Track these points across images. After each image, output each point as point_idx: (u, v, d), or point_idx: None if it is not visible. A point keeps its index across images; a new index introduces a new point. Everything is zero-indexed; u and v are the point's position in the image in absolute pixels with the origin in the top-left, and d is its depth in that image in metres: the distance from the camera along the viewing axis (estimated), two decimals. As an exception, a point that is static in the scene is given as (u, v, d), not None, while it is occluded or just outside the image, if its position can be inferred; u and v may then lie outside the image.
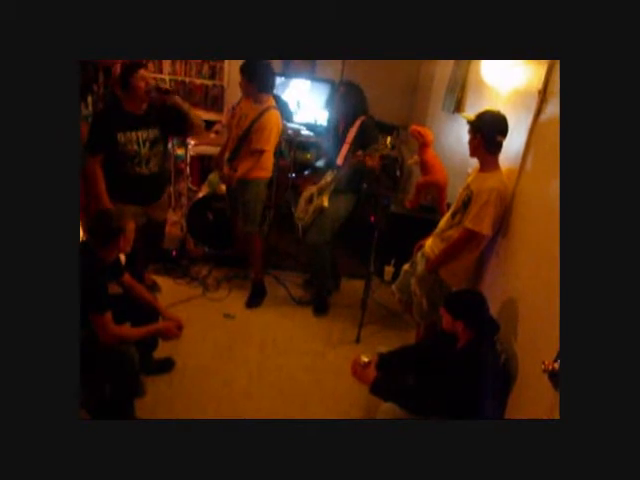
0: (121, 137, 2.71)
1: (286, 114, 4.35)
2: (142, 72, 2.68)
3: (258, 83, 3.05)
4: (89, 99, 3.17)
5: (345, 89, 3.25)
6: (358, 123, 3.14)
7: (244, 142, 3.16)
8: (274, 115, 3.12)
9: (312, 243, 3.30)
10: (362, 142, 3.09)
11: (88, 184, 2.78)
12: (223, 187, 3.44)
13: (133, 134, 2.74)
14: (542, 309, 1.89)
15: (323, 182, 3.25)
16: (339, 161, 3.15)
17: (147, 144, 2.79)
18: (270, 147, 3.16)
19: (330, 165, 3.31)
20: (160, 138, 2.87)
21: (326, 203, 3.18)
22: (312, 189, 3.30)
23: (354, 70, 4.78)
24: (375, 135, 3.20)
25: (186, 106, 2.84)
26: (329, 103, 3.45)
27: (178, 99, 2.82)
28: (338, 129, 3.27)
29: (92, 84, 3.28)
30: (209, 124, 4.92)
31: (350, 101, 3.18)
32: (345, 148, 3.14)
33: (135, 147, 2.75)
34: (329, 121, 3.69)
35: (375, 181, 3.19)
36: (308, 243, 3.33)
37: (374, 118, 3.24)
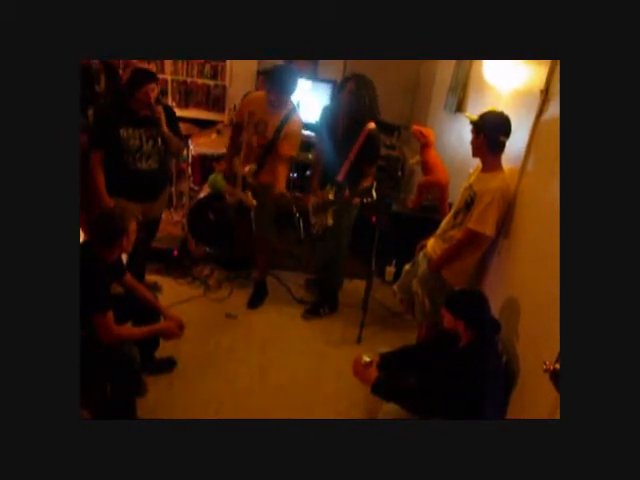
0: (124, 132, 2.73)
1: None
2: (148, 88, 2.68)
3: (288, 88, 2.91)
4: (89, 112, 3.17)
5: (356, 84, 2.85)
6: (365, 134, 2.90)
7: (271, 150, 3.01)
8: (299, 119, 3.04)
9: (327, 255, 3.33)
10: (366, 158, 2.98)
11: (89, 179, 2.81)
12: (251, 200, 3.12)
13: (136, 131, 2.76)
14: (543, 309, 1.89)
15: (324, 198, 3.08)
16: (340, 177, 3.00)
17: (150, 141, 2.81)
18: (297, 152, 3.12)
19: (328, 179, 3.09)
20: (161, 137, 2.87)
21: (331, 222, 3.10)
22: (318, 198, 3.16)
23: (355, 70, 4.76)
24: (379, 148, 3.08)
25: (167, 133, 2.83)
26: (332, 100, 3.03)
27: (164, 129, 2.81)
28: (336, 133, 3.03)
29: (93, 96, 3.27)
30: (211, 124, 4.93)
31: (362, 100, 2.83)
32: (347, 165, 2.97)
33: (138, 142, 2.78)
34: (324, 123, 3.17)
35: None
36: (325, 254, 3.36)
37: (379, 122, 3.02)
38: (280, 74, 2.86)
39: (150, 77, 2.72)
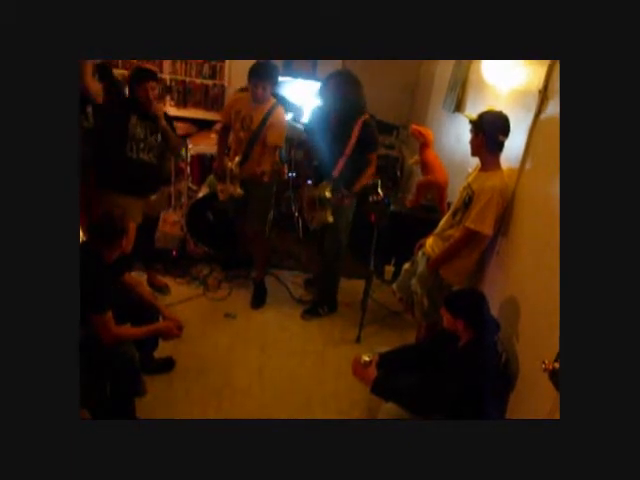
0: (133, 119, 2.86)
1: (295, 113, 4.36)
2: (147, 85, 2.79)
3: (274, 85, 3.08)
4: (88, 109, 3.19)
5: (340, 79, 2.89)
6: (359, 126, 2.91)
7: (256, 142, 3.10)
8: (282, 111, 3.15)
9: (328, 253, 3.32)
10: (366, 147, 2.98)
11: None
12: (238, 190, 3.18)
13: (143, 122, 2.88)
14: (543, 308, 1.89)
15: (320, 194, 3.04)
16: (335, 173, 2.99)
17: (153, 135, 2.92)
18: (283, 142, 3.21)
19: (324, 175, 3.07)
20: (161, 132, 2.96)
21: (330, 219, 3.06)
22: (314, 193, 3.12)
23: (354, 70, 4.77)
24: (377, 140, 3.09)
25: (165, 127, 2.93)
26: (320, 94, 3.00)
27: (163, 123, 2.92)
28: (327, 130, 3.02)
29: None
30: (209, 124, 4.93)
31: (348, 95, 2.86)
32: (342, 160, 2.96)
33: (143, 133, 2.89)
34: (316, 120, 3.19)
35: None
36: (325, 253, 3.34)
37: (374, 117, 3.03)
38: (264, 67, 2.97)
39: (149, 75, 2.85)
